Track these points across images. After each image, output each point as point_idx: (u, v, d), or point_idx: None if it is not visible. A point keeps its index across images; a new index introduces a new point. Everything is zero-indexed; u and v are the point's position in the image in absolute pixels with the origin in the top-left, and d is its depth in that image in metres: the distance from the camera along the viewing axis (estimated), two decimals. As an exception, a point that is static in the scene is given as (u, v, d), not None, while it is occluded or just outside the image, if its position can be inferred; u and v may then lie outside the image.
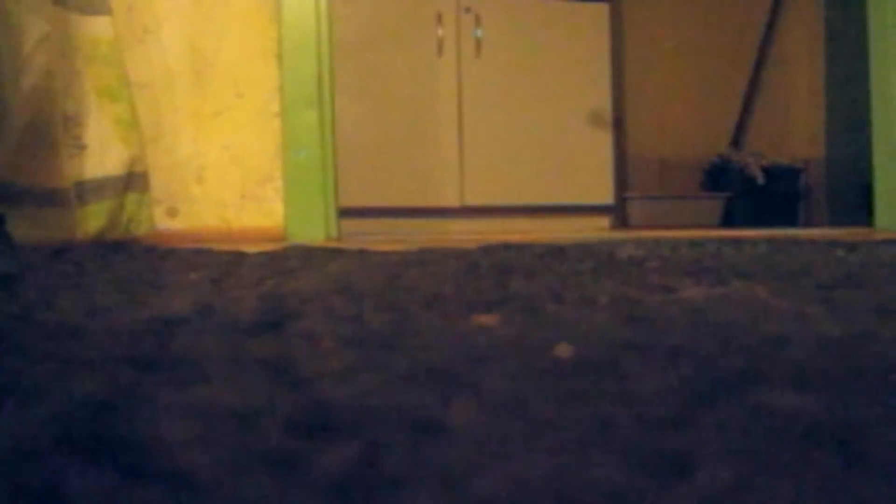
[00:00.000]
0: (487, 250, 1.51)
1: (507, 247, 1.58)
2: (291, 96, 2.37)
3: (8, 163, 1.73)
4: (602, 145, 3.96)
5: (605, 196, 3.98)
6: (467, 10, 3.74)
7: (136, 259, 1.45)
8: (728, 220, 4.08)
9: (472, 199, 3.76)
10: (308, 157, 2.38)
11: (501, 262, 1.23)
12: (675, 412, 0.36)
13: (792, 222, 4.16)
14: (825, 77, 4.34)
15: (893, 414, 0.35)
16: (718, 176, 4.21)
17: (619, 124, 4.13)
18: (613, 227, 3.99)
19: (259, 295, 0.83)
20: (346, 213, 2.68)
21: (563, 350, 0.50)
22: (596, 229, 3.75)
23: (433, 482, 0.28)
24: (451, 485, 0.28)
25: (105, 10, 2.02)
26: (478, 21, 3.75)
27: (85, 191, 1.94)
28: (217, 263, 1.28)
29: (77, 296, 0.85)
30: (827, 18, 4.31)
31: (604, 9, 3.98)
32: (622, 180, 4.18)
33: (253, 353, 0.51)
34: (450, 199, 3.73)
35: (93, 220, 1.95)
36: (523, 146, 3.81)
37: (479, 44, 3.76)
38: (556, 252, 1.42)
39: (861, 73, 2.89)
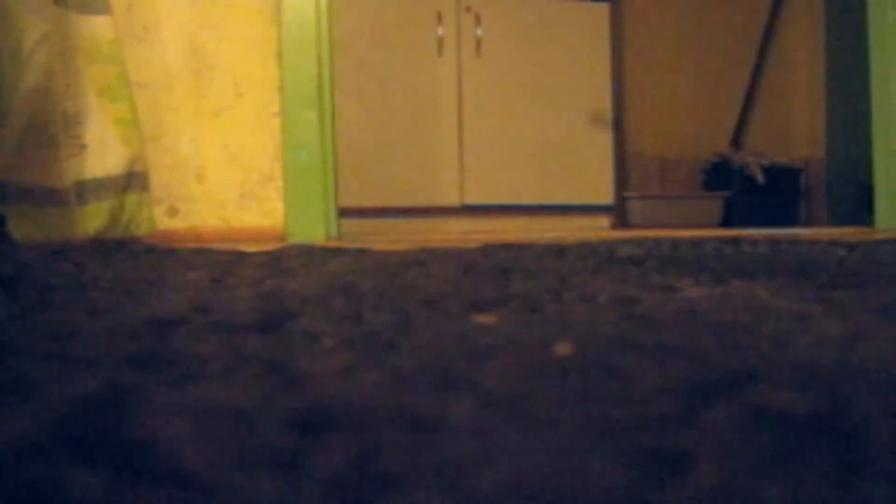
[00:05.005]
0: (487, 250, 1.51)
1: (507, 247, 1.58)
2: (291, 96, 2.37)
3: (8, 162, 1.73)
4: (602, 145, 3.96)
5: (605, 196, 3.98)
6: (467, 9, 3.74)
7: (136, 259, 1.45)
8: (728, 220, 4.08)
9: (472, 199, 3.76)
10: (308, 157, 2.38)
11: (501, 262, 1.23)
12: (674, 411, 0.36)
13: (792, 222, 4.16)
14: (825, 77, 4.34)
15: (893, 413, 0.35)
16: (718, 175, 4.21)
17: (618, 124, 4.13)
18: (613, 226, 3.99)
19: (259, 294, 0.83)
20: (346, 213, 2.68)
21: (563, 349, 0.50)
22: (596, 229, 3.76)
23: (432, 481, 0.28)
24: (450, 483, 0.28)
25: (105, 9, 2.02)
26: (478, 20, 3.75)
27: (85, 190, 1.94)
28: (217, 263, 1.28)
29: (77, 296, 0.85)
30: (827, 18, 4.31)
31: (604, 9, 3.98)
32: (622, 180, 4.18)
33: (252, 352, 0.51)
34: (450, 199, 3.73)
35: (93, 219, 1.95)
36: (523, 146, 3.81)
37: (479, 43, 3.76)
38: (556, 252, 1.42)
39: (861, 73, 2.89)
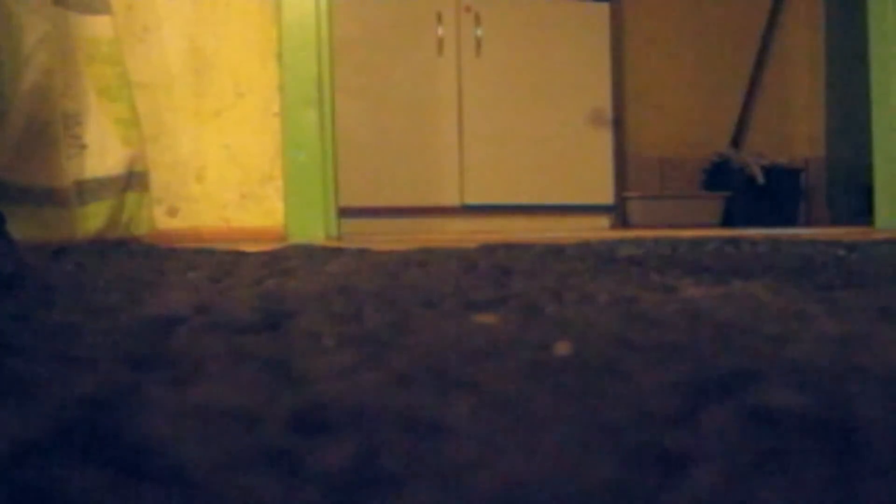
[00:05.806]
0: (487, 250, 1.51)
1: (507, 247, 1.58)
2: (291, 96, 2.37)
3: (8, 162, 1.73)
4: (602, 145, 3.96)
5: (605, 196, 3.98)
6: (467, 9, 3.74)
7: (135, 258, 1.45)
8: (728, 220, 4.08)
9: (472, 199, 3.76)
10: (308, 157, 2.38)
11: (501, 262, 1.23)
12: (674, 411, 0.36)
13: (792, 222, 4.16)
14: (825, 77, 4.34)
15: (893, 413, 0.35)
16: (718, 175, 4.21)
17: (619, 124, 4.13)
18: (613, 226, 4.00)
19: (259, 294, 0.83)
20: (346, 213, 2.68)
21: (563, 349, 0.50)
22: (596, 229, 3.76)
23: (431, 481, 0.28)
24: (449, 483, 0.28)
25: (105, 9, 2.02)
26: (478, 20, 3.75)
27: (85, 190, 1.94)
28: (217, 263, 1.28)
29: (77, 296, 0.85)
30: (827, 18, 4.31)
31: (604, 9, 3.98)
32: (622, 180, 4.18)
33: (252, 352, 0.51)
34: (450, 199, 3.73)
35: (93, 219, 1.95)
36: (523, 146, 3.81)
37: (479, 43, 3.76)
38: (556, 252, 1.42)
39: (861, 74, 2.89)
